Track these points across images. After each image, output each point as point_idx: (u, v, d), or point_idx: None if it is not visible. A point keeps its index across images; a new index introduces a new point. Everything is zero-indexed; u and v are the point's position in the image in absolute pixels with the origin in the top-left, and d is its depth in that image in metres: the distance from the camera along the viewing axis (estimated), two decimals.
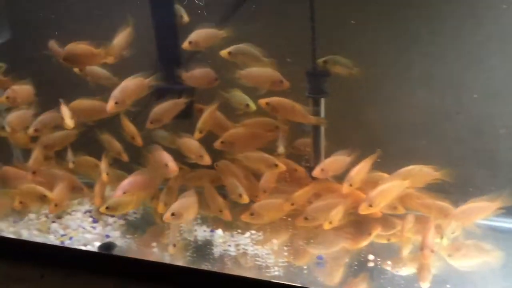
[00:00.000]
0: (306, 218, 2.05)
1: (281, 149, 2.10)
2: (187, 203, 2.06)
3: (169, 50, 2.17)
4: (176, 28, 2.16)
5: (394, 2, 2.00)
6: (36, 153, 2.28)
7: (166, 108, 2.13)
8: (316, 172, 2.07)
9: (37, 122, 2.23)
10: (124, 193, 2.10)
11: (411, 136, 2.14)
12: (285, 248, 2.04)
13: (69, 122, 2.11)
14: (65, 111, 2.15)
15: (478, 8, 1.94)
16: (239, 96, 2.10)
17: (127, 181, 2.15)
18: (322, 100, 2.13)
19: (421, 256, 1.81)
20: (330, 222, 1.97)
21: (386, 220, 2.11)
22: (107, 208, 2.10)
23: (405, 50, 2.06)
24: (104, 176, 2.24)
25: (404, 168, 2.01)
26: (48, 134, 2.30)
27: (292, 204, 2.08)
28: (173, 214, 1.99)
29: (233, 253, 2.03)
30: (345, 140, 2.11)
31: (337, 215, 1.99)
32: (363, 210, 1.95)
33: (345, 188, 2.01)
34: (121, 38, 2.13)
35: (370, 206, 1.95)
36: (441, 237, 1.92)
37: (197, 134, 2.11)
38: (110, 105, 2.04)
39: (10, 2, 2.45)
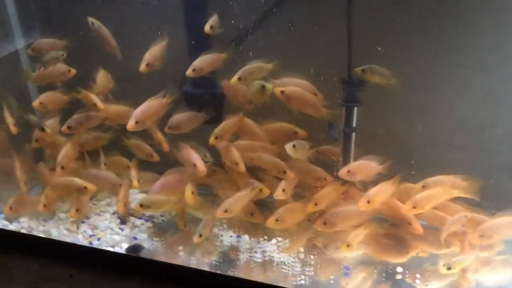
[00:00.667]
0: (324, 223, 2.04)
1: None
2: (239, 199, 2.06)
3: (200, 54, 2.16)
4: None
5: (432, 12, 1.96)
6: (66, 149, 2.29)
7: (185, 118, 2.16)
8: (341, 172, 2.06)
9: (71, 120, 2.26)
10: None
11: (444, 148, 2.10)
12: (312, 256, 2.03)
13: (100, 104, 2.19)
14: (93, 96, 2.21)
15: None
16: (255, 83, 2.05)
17: (160, 183, 2.17)
18: (355, 109, 2.11)
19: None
20: (348, 245, 1.96)
21: (426, 238, 2.07)
22: (140, 205, 2.13)
23: (441, 61, 2.03)
24: (135, 184, 2.29)
25: (432, 177, 2.01)
26: (81, 133, 2.34)
27: (316, 204, 2.06)
28: (226, 211, 2.02)
29: (259, 260, 2.03)
30: (375, 150, 2.09)
31: (356, 238, 1.97)
32: (407, 210, 1.97)
33: (362, 204, 1.99)
34: (155, 49, 2.14)
35: (414, 207, 1.97)
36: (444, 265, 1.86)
37: (212, 139, 2.09)
38: (130, 124, 2.10)
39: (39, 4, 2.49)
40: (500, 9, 1.90)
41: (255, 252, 2.07)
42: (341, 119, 2.11)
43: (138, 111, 2.12)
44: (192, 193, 2.13)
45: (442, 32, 1.99)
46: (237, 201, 2.04)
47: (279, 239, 2.13)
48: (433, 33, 2.00)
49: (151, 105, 2.13)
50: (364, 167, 2.07)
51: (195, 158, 2.12)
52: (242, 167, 2.10)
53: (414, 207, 1.96)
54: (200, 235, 2.07)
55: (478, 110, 2.06)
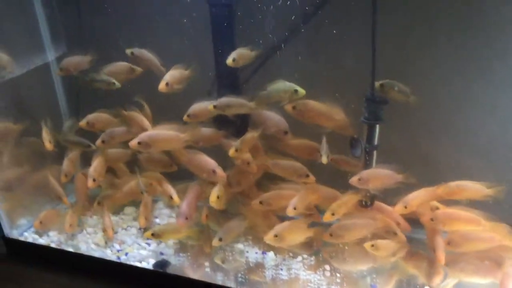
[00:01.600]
0: (331, 235, 2.04)
1: (324, 158, 2.03)
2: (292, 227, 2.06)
3: (227, 75, 2.19)
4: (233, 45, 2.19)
5: (461, 29, 1.97)
6: (97, 163, 2.33)
7: (205, 133, 2.17)
8: (353, 180, 2.03)
9: (106, 135, 2.30)
10: (187, 218, 2.12)
11: (469, 165, 2.09)
12: (338, 274, 2.04)
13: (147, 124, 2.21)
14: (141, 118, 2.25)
15: None
16: (283, 85, 2.02)
17: (187, 205, 2.15)
18: (377, 127, 2.12)
19: None
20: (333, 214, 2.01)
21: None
22: (152, 234, 2.16)
23: (469, 78, 2.03)
24: (176, 199, 2.27)
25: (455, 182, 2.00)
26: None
27: (333, 214, 2.04)
28: (275, 236, 2.01)
29: (284, 277, 2.04)
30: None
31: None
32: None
33: (398, 208, 2.01)
34: (176, 72, 2.18)
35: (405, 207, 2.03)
36: None
37: (232, 151, 2.06)
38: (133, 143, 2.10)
39: (66, 16, 2.55)
40: None
41: (281, 269, 2.08)
42: (363, 137, 2.12)
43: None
44: (218, 197, 2.11)
45: (469, 50, 1.99)
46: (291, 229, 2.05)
47: (305, 256, 2.14)
48: (460, 51, 2.01)
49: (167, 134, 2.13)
50: (377, 175, 2.04)
51: (213, 164, 2.12)
52: (253, 168, 2.10)
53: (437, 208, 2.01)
54: (220, 239, 2.08)
55: (507, 128, 2.05)
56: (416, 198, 2.05)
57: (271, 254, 2.17)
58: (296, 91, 2.01)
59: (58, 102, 2.66)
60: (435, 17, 1.97)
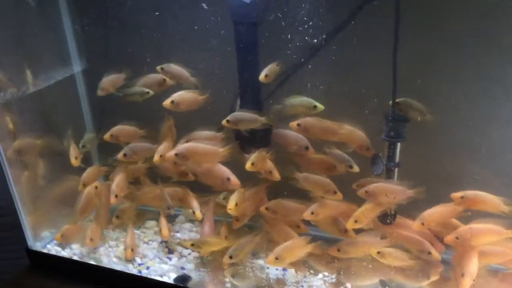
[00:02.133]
0: (338, 250, 2.09)
1: (355, 168, 2.08)
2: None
3: (250, 89, 2.20)
4: (258, 66, 2.23)
5: (481, 47, 1.98)
6: (119, 178, 2.37)
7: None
8: (360, 192, 2.06)
9: (128, 148, 2.33)
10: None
11: (488, 185, 2.08)
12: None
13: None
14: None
15: None
16: (301, 100, 2.07)
17: (208, 227, 2.20)
18: (398, 145, 2.12)
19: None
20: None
21: None
22: (192, 245, 2.18)
23: (491, 97, 2.04)
24: (198, 215, 2.27)
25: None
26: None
27: (356, 222, 2.05)
28: (276, 258, 2.02)
29: None
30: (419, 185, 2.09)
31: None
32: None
33: (416, 225, 2.01)
34: (185, 93, 2.23)
35: (422, 224, 2.01)
36: None
37: (248, 164, 2.08)
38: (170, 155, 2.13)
39: (87, 33, 2.62)
40: None
41: (302, 286, 2.08)
42: (384, 154, 2.13)
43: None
44: (236, 204, 2.11)
45: (491, 69, 2.00)
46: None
47: (326, 274, 2.14)
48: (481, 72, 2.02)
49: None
50: (385, 189, 2.04)
51: (227, 172, 2.12)
52: (276, 175, 2.11)
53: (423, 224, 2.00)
54: (231, 257, 2.10)
55: None
56: (434, 214, 2.04)
57: (292, 270, 2.17)
58: (315, 106, 2.04)
59: (83, 116, 2.71)
60: (458, 35, 1.99)
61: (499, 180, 2.06)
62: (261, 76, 2.07)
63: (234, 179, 2.12)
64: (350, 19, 2.04)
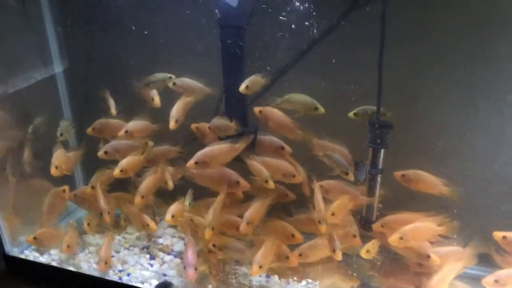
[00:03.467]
0: (300, 255, 2.10)
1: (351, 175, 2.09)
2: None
3: (234, 91, 2.16)
4: (243, 69, 2.20)
5: (466, 52, 1.99)
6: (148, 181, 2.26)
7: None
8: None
9: (109, 146, 2.29)
10: (196, 269, 2.07)
11: (471, 188, 2.09)
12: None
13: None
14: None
15: None
16: (303, 99, 2.05)
17: (191, 255, 2.08)
18: (382, 151, 2.13)
19: None
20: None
21: None
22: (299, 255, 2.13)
23: (470, 102, 2.06)
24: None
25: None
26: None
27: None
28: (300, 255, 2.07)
29: None
30: (402, 191, 2.10)
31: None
32: (394, 241, 1.99)
33: (394, 240, 1.99)
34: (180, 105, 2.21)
35: (401, 238, 1.99)
36: None
37: (168, 217, 2.15)
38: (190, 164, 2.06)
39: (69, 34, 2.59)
40: None
41: None
42: (368, 161, 2.14)
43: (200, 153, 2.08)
44: (173, 216, 2.15)
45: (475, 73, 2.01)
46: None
47: (309, 280, 2.13)
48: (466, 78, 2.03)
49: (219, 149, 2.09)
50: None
51: (235, 175, 2.08)
52: (299, 179, 2.08)
53: (401, 238, 1.98)
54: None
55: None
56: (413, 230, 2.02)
57: (275, 278, 2.15)
58: (316, 108, 2.05)
59: (63, 117, 2.67)
60: (445, 43, 2.01)
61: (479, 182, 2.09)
62: (242, 88, 2.05)
63: (243, 182, 2.07)
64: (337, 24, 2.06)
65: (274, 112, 2.09)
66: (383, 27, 1.92)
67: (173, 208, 2.19)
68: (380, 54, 1.97)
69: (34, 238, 2.34)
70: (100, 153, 2.29)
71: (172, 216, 2.17)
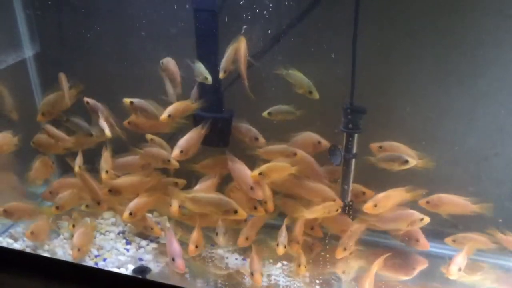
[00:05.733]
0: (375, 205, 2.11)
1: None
2: None
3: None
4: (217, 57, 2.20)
5: (439, 41, 2.03)
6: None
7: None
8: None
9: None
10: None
11: (447, 176, 2.16)
12: (317, 281, 2.08)
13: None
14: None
15: None
16: (301, 79, 2.06)
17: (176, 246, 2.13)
18: (355, 136, 2.17)
19: None
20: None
21: None
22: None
23: (447, 90, 2.10)
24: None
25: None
26: None
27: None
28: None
29: (264, 283, 2.05)
30: (376, 176, 2.15)
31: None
32: (368, 208, 2.07)
33: (368, 207, 2.07)
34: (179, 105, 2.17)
35: (375, 206, 2.07)
36: None
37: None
38: (175, 153, 2.09)
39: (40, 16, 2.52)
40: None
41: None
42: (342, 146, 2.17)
43: (183, 141, 2.11)
44: (130, 213, 2.13)
45: (446, 61, 2.06)
46: None
47: (285, 262, 2.17)
48: (437, 63, 2.07)
49: (194, 135, 2.14)
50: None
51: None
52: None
53: (375, 206, 2.07)
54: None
55: (481, 140, 2.13)
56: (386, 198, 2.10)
57: None
58: (310, 92, 2.06)
59: (35, 104, 2.59)
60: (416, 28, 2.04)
61: (453, 169, 2.16)
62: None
63: (257, 188, 2.05)
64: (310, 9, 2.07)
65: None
66: (357, 13, 1.95)
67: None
68: (353, 39, 2.00)
69: (4, 210, 2.27)
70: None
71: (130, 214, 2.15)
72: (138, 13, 2.29)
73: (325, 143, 2.17)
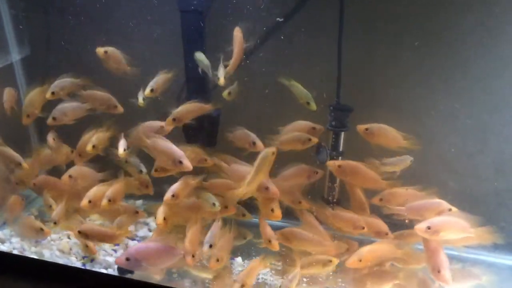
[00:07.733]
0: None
1: None
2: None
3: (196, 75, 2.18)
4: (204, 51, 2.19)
5: (422, 40, 2.06)
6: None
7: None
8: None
9: (57, 111, 2.21)
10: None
11: (433, 172, 2.18)
12: (304, 279, 2.08)
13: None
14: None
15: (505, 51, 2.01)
16: (301, 90, 2.07)
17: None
18: (342, 134, 2.18)
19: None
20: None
21: None
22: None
23: (432, 89, 2.12)
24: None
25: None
26: None
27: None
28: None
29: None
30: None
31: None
32: (351, 264, 1.97)
33: (352, 263, 1.97)
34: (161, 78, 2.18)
35: (360, 261, 1.97)
36: None
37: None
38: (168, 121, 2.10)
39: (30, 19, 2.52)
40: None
41: None
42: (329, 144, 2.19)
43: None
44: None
45: (435, 60, 2.09)
46: None
47: (272, 262, 2.16)
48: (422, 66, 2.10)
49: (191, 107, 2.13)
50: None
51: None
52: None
53: (360, 261, 1.98)
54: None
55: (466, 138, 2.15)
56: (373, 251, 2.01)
57: (238, 259, 2.19)
58: (308, 103, 2.06)
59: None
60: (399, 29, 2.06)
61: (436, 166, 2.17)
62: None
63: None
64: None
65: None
66: (342, 13, 1.97)
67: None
68: (339, 39, 2.02)
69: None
70: (49, 120, 2.20)
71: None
72: (125, 15, 2.29)
73: (319, 127, 2.10)
